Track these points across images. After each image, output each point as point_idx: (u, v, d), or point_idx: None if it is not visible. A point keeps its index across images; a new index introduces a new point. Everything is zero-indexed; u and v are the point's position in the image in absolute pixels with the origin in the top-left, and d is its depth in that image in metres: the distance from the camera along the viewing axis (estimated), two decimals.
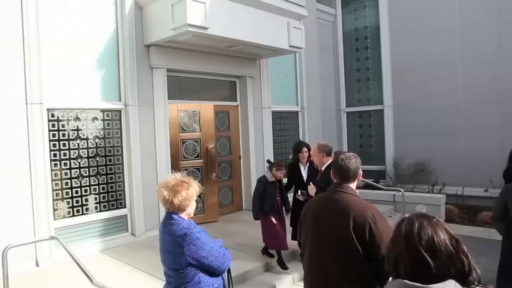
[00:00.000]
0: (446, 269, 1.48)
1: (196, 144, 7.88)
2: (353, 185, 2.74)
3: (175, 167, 7.57)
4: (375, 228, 2.48)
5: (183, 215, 2.73)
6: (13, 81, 5.77)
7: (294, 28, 8.19)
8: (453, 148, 10.21)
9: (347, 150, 12.41)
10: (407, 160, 11.27)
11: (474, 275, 1.50)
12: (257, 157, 9.21)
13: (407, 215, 1.67)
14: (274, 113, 10.04)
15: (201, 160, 7.92)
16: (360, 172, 2.77)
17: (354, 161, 2.76)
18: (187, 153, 7.88)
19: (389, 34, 11.74)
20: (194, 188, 2.76)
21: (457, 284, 1.48)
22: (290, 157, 9.04)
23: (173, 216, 2.70)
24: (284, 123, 10.49)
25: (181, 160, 7.83)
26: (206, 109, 7.81)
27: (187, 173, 7.51)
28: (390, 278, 1.68)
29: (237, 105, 9.25)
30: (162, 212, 6.72)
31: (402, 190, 8.47)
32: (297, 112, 10.77)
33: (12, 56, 5.77)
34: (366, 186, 10.64)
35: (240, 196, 9.19)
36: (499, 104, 10.00)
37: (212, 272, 2.68)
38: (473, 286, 1.50)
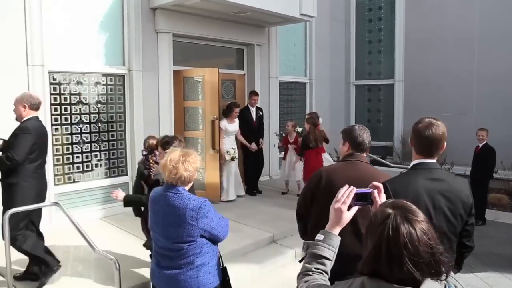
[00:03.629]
0: (427, 272, 1.43)
1: (199, 113, 7.77)
2: (365, 154, 2.94)
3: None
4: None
5: (187, 188, 2.79)
6: (14, 42, 5.70)
7: None
8: (465, 126, 10.16)
9: (354, 123, 12.35)
10: None
11: (444, 268, 1.46)
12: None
13: (389, 211, 1.50)
14: (282, 84, 10.00)
15: (203, 132, 7.82)
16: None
17: (368, 133, 2.97)
18: (191, 123, 7.83)
19: (404, 6, 11.49)
20: (198, 161, 2.81)
21: (436, 283, 1.44)
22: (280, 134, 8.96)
23: (179, 189, 2.74)
24: (292, 94, 10.46)
25: (185, 130, 7.80)
26: (212, 76, 7.69)
27: (189, 144, 7.46)
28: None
29: (244, 74, 9.19)
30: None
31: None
32: (305, 83, 10.73)
33: (12, 16, 5.67)
34: (373, 162, 10.55)
35: (241, 166, 9.15)
36: None
37: (215, 241, 2.81)
38: (444, 277, 1.47)
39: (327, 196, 2.53)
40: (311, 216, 2.88)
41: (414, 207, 1.51)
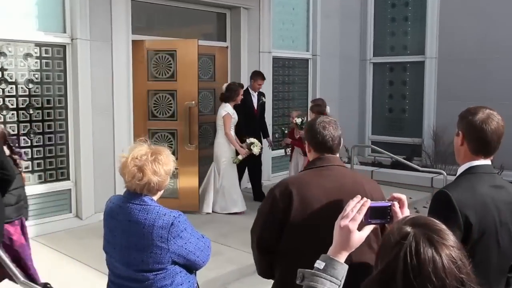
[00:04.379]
0: None
1: (170, 98, 7.80)
2: (337, 155, 3.02)
3: (140, 129, 7.58)
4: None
5: (155, 197, 2.83)
6: None
7: None
8: None
9: (371, 115, 12.30)
10: (452, 132, 11.04)
11: None
12: None
13: (407, 229, 1.51)
14: (276, 60, 9.99)
15: (178, 122, 7.85)
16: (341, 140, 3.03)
17: (337, 127, 2.98)
18: (158, 111, 7.84)
19: None
20: (172, 162, 2.85)
21: None
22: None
23: (145, 199, 2.75)
24: (289, 74, 10.49)
25: (149, 120, 7.84)
26: (189, 50, 7.75)
27: (155, 139, 7.43)
28: None
29: (226, 47, 9.19)
30: (120, 189, 6.65)
31: (444, 173, 8.40)
32: (307, 60, 10.77)
33: None
34: (395, 165, 10.57)
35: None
36: None
37: (191, 268, 2.85)
38: None
39: (305, 222, 2.72)
40: (283, 252, 2.82)
41: (442, 226, 1.51)
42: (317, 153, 2.93)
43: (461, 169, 2.53)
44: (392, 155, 10.01)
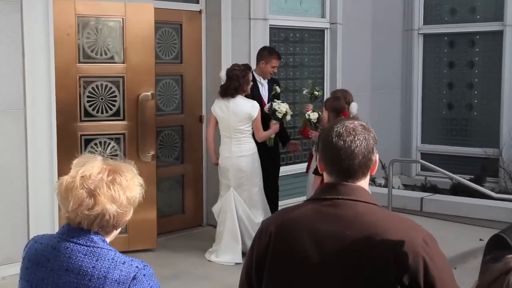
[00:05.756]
0: None
1: (114, 88, 7.86)
2: (365, 184, 2.87)
3: (66, 134, 7.63)
4: (434, 267, 2.56)
5: (109, 238, 2.84)
6: None
7: None
8: None
9: (421, 114, 12.34)
10: None
11: None
12: None
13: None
14: (275, 31, 10.20)
15: (125, 123, 7.87)
16: (377, 156, 2.87)
17: (364, 136, 2.82)
18: (95, 107, 7.88)
19: None
20: (138, 186, 2.88)
21: None
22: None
23: (95, 239, 2.76)
24: (296, 52, 10.63)
25: (81, 121, 7.90)
26: (137, 15, 7.83)
27: (91, 148, 7.56)
28: None
29: (200, 11, 9.35)
30: (39, 227, 6.72)
31: None
32: (322, 32, 10.88)
33: None
34: (456, 190, 10.54)
35: (200, 197, 9.29)
36: None
37: None
38: None
39: (283, 270, 2.77)
40: None
41: None
42: (330, 177, 2.88)
43: None
44: (452, 174, 9.85)
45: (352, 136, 2.76)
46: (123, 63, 7.87)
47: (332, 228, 2.69)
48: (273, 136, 8.22)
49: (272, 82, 8.79)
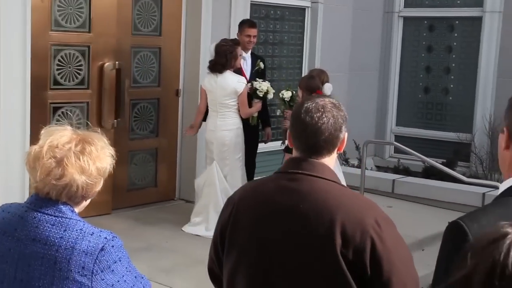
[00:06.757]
0: None
1: (80, 57, 7.89)
2: (330, 161, 2.90)
3: (37, 102, 7.59)
4: (383, 248, 2.59)
5: (78, 209, 2.82)
6: None
7: None
8: None
9: (397, 96, 12.38)
10: None
11: None
12: None
13: (508, 229, 1.62)
14: (256, 7, 10.27)
15: (89, 91, 7.91)
16: (345, 134, 2.89)
17: (332, 114, 2.84)
18: (64, 76, 7.85)
19: None
20: (109, 157, 2.85)
21: None
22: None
23: (63, 209, 2.73)
24: (276, 30, 10.66)
25: (50, 89, 7.92)
26: None
27: (58, 117, 7.50)
28: None
29: None
30: (9, 196, 6.69)
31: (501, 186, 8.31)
32: (303, 10, 10.90)
33: None
34: (428, 173, 10.63)
35: (173, 171, 9.38)
36: None
37: None
38: None
39: (241, 236, 2.86)
40: (225, 278, 2.96)
41: None
42: (296, 152, 2.93)
43: (503, 186, 2.42)
44: (425, 157, 9.90)
45: (320, 113, 2.80)
46: (89, 32, 7.86)
47: (287, 200, 2.75)
48: (255, 114, 8.29)
49: (256, 58, 8.81)
